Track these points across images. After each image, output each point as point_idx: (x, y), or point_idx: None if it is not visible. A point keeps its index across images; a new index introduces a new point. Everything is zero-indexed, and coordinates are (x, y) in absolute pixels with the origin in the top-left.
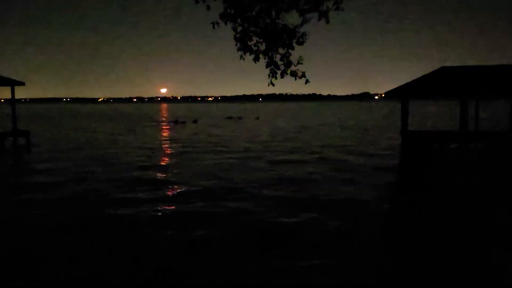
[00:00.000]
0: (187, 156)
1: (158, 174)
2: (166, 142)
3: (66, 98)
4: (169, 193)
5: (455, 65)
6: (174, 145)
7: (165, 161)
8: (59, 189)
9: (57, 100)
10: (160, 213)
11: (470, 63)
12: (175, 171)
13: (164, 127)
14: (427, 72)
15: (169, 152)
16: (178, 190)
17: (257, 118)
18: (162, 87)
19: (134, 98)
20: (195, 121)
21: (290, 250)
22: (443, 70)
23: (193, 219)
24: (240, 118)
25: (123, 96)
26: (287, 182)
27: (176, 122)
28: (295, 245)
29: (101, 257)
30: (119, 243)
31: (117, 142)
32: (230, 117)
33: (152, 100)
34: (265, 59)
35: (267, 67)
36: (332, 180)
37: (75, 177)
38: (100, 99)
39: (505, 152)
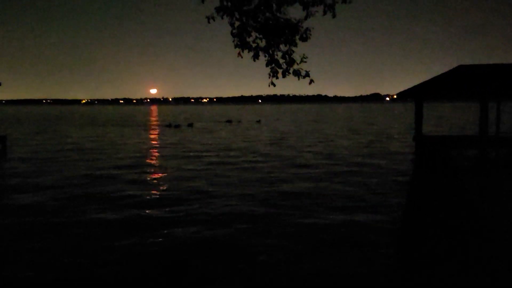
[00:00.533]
0: (175, 165)
1: (141, 190)
2: (155, 150)
3: (46, 100)
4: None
5: (473, 63)
6: (165, 153)
7: (149, 176)
8: (32, 197)
9: (37, 101)
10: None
11: (490, 61)
12: (160, 188)
13: (156, 132)
14: (443, 71)
15: (155, 163)
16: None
17: (259, 121)
18: (152, 88)
19: (121, 99)
20: (190, 125)
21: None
22: (461, 69)
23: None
24: (239, 121)
25: (109, 98)
26: (283, 198)
27: (169, 126)
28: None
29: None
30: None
31: (101, 150)
32: (229, 121)
33: (140, 101)
34: (265, 57)
35: (267, 65)
36: (334, 195)
37: (51, 184)
38: (84, 101)
39: None
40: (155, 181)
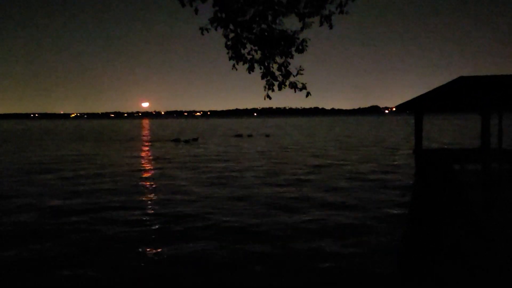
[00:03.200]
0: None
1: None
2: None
3: (34, 114)
4: None
5: (474, 74)
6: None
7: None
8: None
9: (24, 116)
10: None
11: (492, 72)
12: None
13: (171, 147)
14: (443, 83)
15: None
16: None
17: (268, 136)
18: (144, 101)
19: (112, 113)
20: (195, 140)
21: None
22: (461, 81)
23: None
24: (250, 135)
25: (99, 111)
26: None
27: (177, 140)
28: None
29: None
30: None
31: (100, 176)
32: (239, 135)
33: (132, 115)
34: (260, 69)
35: (262, 78)
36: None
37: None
38: (73, 115)
39: None
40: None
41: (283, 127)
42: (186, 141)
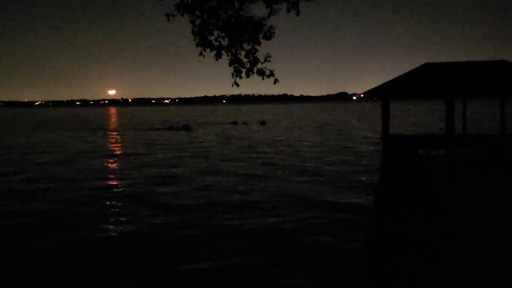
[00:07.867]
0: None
1: None
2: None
3: None
4: None
5: (439, 61)
6: None
7: None
8: None
9: None
10: None
11: (456, 59)
12: None
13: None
14: (409, 69)
15: None
16: None
17: (263, 123)
18: (110, 89)
19: (77, 101)
20: (188, 128)
21: None
22: (427, 67)
23: None
24: (245, 123)
25: (64, 99)
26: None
27: (176, 129)
28: None
29: None
30: None
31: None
32: (234, 122)
33: (98, 103)
34: (228, 56)
35: (230, 65)
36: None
37: None
38: (37, 103)
39: (496, 157)
40: None
41: (260, 113)
42: (187, 128)
